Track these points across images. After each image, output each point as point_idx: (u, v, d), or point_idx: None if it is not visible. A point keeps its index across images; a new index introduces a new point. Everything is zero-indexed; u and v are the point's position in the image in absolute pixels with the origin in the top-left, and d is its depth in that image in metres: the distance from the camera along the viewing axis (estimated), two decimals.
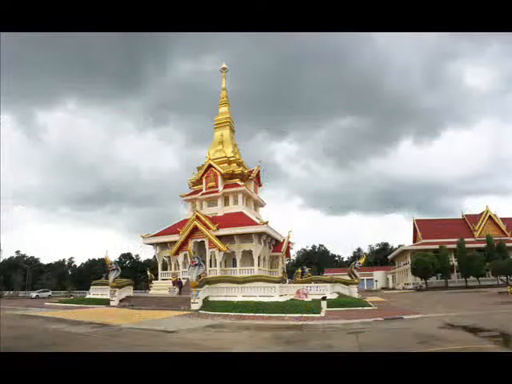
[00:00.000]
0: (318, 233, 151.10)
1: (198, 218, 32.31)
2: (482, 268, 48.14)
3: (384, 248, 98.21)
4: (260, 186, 41.72)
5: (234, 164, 37.88)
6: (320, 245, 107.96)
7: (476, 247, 52.84)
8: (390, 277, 75.47)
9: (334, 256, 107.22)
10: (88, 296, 32.42)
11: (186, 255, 31.21)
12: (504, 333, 11.30)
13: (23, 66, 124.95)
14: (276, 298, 22.31)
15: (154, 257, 38.95)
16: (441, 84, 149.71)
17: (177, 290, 28.40)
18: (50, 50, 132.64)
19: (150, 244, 36.46)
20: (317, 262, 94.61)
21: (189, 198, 38.10)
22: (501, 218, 59.98)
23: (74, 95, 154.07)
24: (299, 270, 31.74)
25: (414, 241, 66.34)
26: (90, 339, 11.47)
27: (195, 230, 32.21)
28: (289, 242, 37.48)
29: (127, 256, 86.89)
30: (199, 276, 23.10)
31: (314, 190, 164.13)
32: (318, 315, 17.78)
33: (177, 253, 32.77)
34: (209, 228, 31.56)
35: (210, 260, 32.03)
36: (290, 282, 32.71)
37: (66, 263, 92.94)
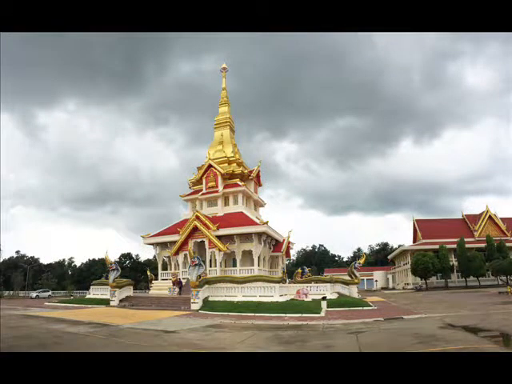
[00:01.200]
0: (318, 233, 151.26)
1: (197, 217, 32.32)
2: (482, 268, 48.12)
3: (384, 248, 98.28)
4: (260, 185, 41.72)
5: (234, 164, 37.89)
6: (320, 245, 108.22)
7: (476, 247, 52.82)
8: (389, 277, 75.44)
9: (334, 256, 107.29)
10: (88, 296, 32.44)
11: (186, 255, 31.23)
12: (504, 333, 11.31)
13: (23, 66, 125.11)
14: (276, 298, 22.30)
15: (154, 257, 38.95)
16: (441, 84, 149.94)
17: (177, 289, 28.40)
18: (50, 49, 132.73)
19: (150, 244, 36.46)
20: (317, 262, 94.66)
21: (189, 198, 38.11)
22: (501, 218, 59.95)
23: (74, 95, 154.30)
24: (299, 270, 31.66)
25: (414, 241, 66.30)
26: (89, 339, 11.46)
27: (195, 230, 32.23)
28: (289, 242, 37.48)
29: (127, 256, 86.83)
30: (199, 276, 23.09)
31: (314, 190, 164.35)
32: (318, 315, 17.80)
33: (177, 253, 32.78)
34: (209, 228, 31.56)
35: (210, 260, 32.03)
36: (289, 282, 32.69)
37: (66, 263, 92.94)
